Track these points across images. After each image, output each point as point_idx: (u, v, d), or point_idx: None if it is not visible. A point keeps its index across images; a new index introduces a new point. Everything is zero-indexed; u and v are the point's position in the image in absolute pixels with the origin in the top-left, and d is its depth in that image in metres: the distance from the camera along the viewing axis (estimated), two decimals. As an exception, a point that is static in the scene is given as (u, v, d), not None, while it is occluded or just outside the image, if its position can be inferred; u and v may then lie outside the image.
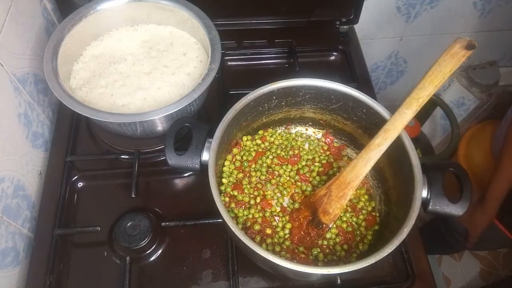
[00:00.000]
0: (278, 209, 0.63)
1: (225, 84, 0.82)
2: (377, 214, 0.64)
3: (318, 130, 0.73)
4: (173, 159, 0.56)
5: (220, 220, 0.52)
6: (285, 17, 0.91)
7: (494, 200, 0.91)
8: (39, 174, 0.71)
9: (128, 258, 0.61)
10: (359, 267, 0.47)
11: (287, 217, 0.62)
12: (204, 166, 0.56)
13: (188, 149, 0.56)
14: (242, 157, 0.67)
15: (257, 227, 0.60)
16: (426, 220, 1.34)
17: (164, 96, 0.69)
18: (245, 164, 0.66)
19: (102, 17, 0.74)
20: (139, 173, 0.68)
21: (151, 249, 0.64)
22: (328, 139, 0.72)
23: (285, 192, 0.64)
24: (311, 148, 0.71)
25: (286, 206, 0.64)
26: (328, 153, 0.70)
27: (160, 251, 0.64)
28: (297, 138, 0.72)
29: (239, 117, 0.62)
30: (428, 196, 0.54)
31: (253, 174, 0.66)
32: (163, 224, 0.64)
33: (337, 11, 0.91)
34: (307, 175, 0.67)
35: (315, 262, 0.59)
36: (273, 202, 0.64)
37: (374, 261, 0.48)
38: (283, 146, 0.70)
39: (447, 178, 0.56)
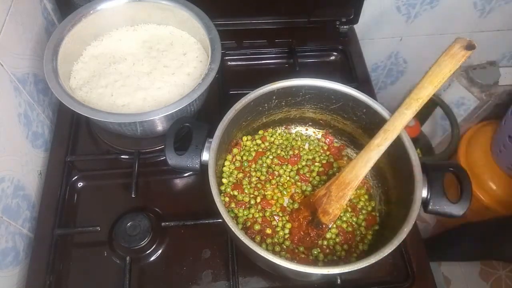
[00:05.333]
0: (278, 209, 0.63)
1: (225, 84, 0.82)
2: (377, 214, 0.64)
3: (318, 130, 0.73)
4: (173, 159, 0.56)
5: (220, 220, 0.52)
6: (285, 17, 0.91)
7: None
8: (39, 174, 0.71)
9: (128, 258, 0.61)
10: (359, 267, 0.47)
11: (287, 217, 0.62)
12: (204, 166, 0.56)
13: (188, 149, 0.56)
14: (242, 157, 0.67)
15: (257, 227, 0.60)
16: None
17: (164, 96, 0.69)
18: (245, 164, 0.66)
19: (102, 17, 0.73)
20: (139, 173, 0.68)
21: (151, 249, 0.64)
22: (328, 139, 0.72)
23: (285, 192, 0.64)
24: (311, 148, 0.71)
25: (286, 206, 0.64)
26: (328, 153, 0.70)
27: (160, 251, 0.64)
28: (297, 138, 0.72)
29: (239, 117, 0.62)
30: (428, 196, 0.54)
31: (253, 174, 0.66)
32: (163, 224, 0.64)
33: (337, 11, 0.91)
34: (307, 175, 0.67)
35: (315, 262, 0.59)
36: (273, 202, 0.64)
37: (374, 261, 0.48)
38: (283, 146, 0.70)
39: (447, 178, 0.56)
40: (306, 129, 0.73)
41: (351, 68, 0.88)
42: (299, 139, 0.72)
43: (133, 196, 0.66)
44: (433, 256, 1.38)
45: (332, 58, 0.93)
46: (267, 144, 0.70)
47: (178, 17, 0.76)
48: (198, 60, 0.74)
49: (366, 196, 0.66)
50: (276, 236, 0.60)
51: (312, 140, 0.72)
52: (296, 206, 0.63)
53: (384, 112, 0.60)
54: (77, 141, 0.75)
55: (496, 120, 1.31)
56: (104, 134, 0.75)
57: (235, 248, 0.64)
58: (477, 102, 1.36)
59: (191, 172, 0.72)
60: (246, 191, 0.63)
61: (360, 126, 0.66)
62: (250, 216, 0.61)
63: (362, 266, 0.47)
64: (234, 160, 0.67)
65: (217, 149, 0.56)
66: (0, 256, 0.58)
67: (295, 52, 0.89)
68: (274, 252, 0.58)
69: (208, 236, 0.66)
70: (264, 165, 0.67)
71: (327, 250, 0.60)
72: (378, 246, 0.52)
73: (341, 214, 0.62)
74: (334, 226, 0.61)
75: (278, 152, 0.68)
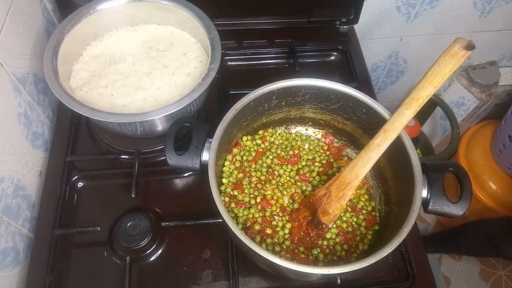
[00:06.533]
0: (278, 209, 0.63)
1: (225, 84, 0.82)
2: (377, 214, 0.64)
3: (318, 130, 0.73)
4: (173, 159, 0.56)
5: (220, 220, 0.52)
6: (285, 17, 0.91)
7: None
8: (39, 174, 0.71)
9: (128, 258, 0.61)
10: (359, 267, 0.47)
11: (287, 217, 0.62)
12: (204, 166, 0.56)
13: (188, 149, 0.56)
14: (242, 157, 0.67)
15: (257, 227, 0.60)
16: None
17: (164, 96, 0.69)
18: (245, 164, 0.66)
19: (102, 17, 0.74)
20: (139, 173, 0.68)
21: (151, 249, 0.64)
22: (328, 139, 0.72)
23: (285, 192, 0.64)
24: (311, 148, 0.71)
25: (286, 206, 0.64)
26: (328, 153, 0.70)
27: (160, 251, 0.65)
28: (297, 138, 0.72)
29: (239, 117, 0.62)
30: (428, 196, 0.54)
31: (253, 174, 0.66)
32: (163, 224, 0.64)
33: (337, 11, 0.91)
34: (307, 175, 0.67)
35: (315, 262, 0.59)
36: (273, 202, 0.64)
37: (374, 261, 0.48)
38: (283, 146, 0.70)
39: (447, 178, 0.56)
40: (306, 129, 0.73)
41: (351, 68, 0.88)
42: (299, 139, 0.72)
43: (133, 196, 0.66)
44: (437, 248, 1.38)
45: (332, 58, 0.93)
46: (267, 144, 0.70)
47: (178, 17, 0.76)
48: (198, 60, 0.74)
49: (366, 196, 0.66)
50: (276, 236, 0.60)
51: (312, 140, 0.72)
52: (296, 206, 0.63)
53: (384, 112, 0.60)
54: (77, 141, 0.75)
55: (496, 120, 1.31)
56: (104, 134, 0.75)
57: (235, 248, 0.64)
58: (477, 102, 1.36)
59: (191, 172, 0.72)
60: (246, 191, 0.64)
61: (360, 126, 0.66)
62: (250, 216, 0.61)
63: (362, 266, 0.47)
64: (234, 160, 0.67)
65: (217, 149, 0.56)
66: (0, 256, 0.58)
67: (295, 52, 0.89)
68: (274, 252, 0.58)
69: (208, 236, 0.66)
70: (264, 165, 0.67)
71: (327, 250, 0.60)
72: (378, 246, 0.52)
73: (341, 214, 0.62)
74: (334, 226, 0.61)
75: (278, 152, 0.68)
